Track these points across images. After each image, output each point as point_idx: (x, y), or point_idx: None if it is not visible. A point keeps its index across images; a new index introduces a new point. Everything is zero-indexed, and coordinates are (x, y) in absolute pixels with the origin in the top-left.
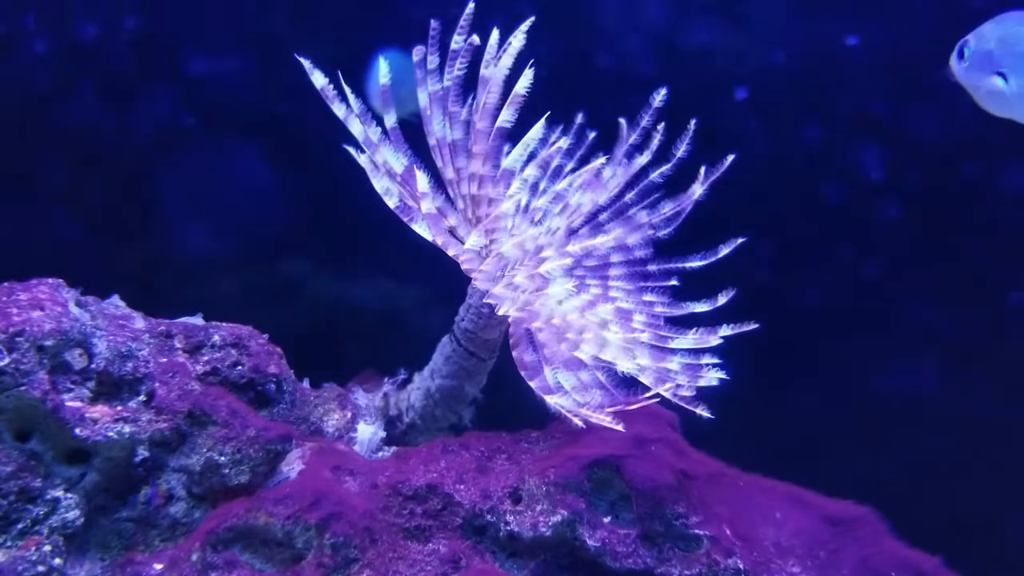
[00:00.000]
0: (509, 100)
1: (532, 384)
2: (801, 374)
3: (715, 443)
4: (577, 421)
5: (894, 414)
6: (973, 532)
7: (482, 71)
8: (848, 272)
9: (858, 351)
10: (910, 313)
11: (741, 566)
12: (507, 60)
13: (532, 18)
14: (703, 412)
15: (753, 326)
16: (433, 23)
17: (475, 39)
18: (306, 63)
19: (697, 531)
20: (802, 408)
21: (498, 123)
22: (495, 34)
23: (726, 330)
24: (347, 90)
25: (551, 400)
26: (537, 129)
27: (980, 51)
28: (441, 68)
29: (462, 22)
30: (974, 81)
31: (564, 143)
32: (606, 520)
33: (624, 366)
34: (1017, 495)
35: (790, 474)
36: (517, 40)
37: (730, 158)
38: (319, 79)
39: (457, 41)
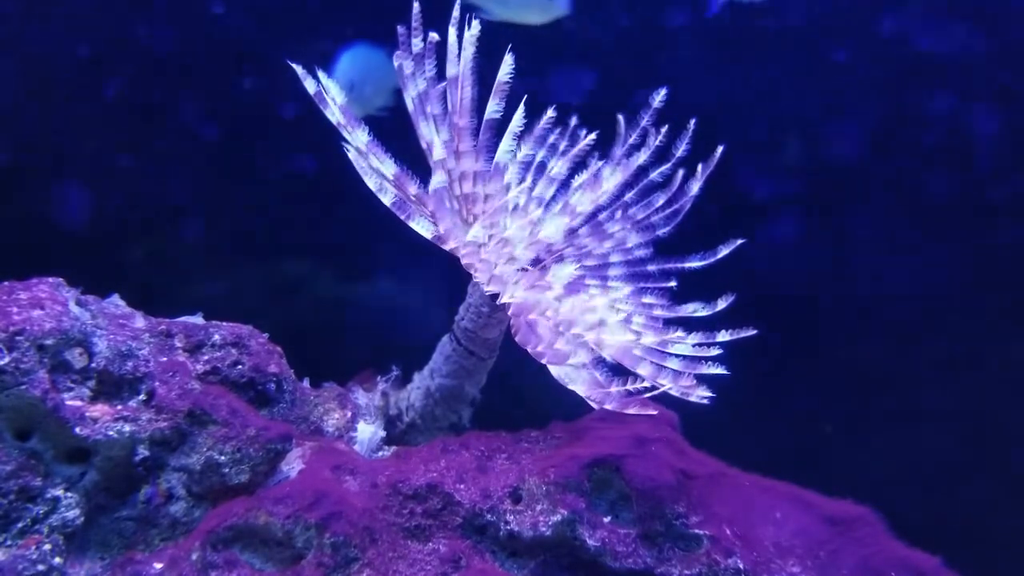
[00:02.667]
0: (494, 90)
1: (542, 359)
2: (801, 374)
3: (715, 443)
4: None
5: (894, 414)
6: (973, 532)
7: (448, 70)
8: (849, 271)
9: (859, 351)
10: (910, 312)
11: (741, 566)
12: (469, 50)
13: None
14: (704, 392)
15: (751, 332)
16: (400, 28)
17: (434, 36)
18: (298, 69)
19: (697, 531)
20: (802, 408)
21: (487, 115)
22: (452, 32)
23: (724, 335)
24: (333, 104)
25: (561, 372)
26: (519, 117)
27: None
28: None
29: (414, 24)
30: None
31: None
32: (606, 520)
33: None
34: (1017, 495)
35: (790, 474)
36: (473, 29)
37: (719, 150)
38: (311, 85)
39: (416, 44)
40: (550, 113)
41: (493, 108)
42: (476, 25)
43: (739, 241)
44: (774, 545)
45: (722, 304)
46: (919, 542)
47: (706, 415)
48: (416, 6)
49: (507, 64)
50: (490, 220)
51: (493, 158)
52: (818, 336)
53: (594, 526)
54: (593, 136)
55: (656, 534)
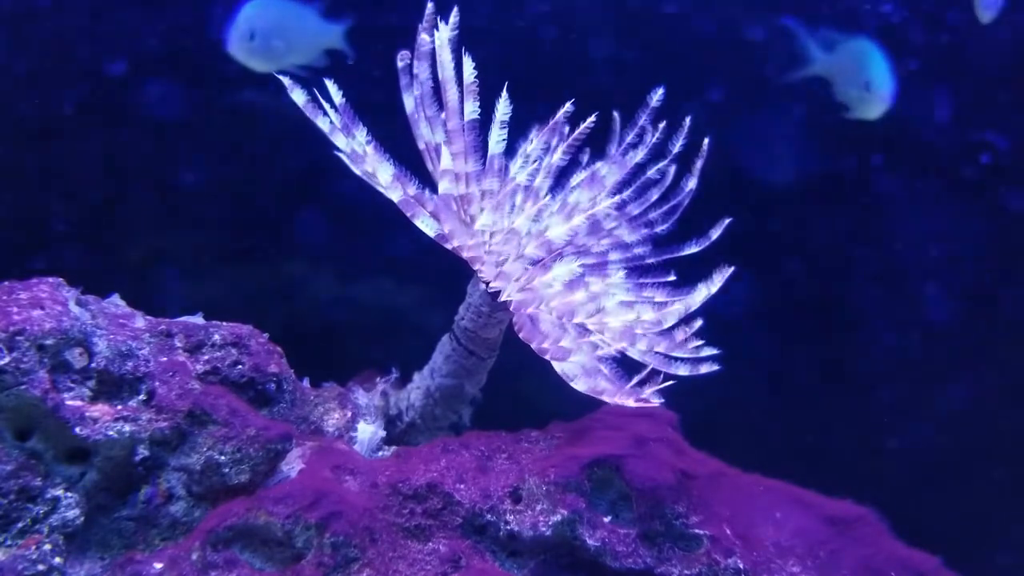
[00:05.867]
0: (465, 91)
1: (546, 355)
2: (801, 374)
3: (715, 443)
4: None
5: (894, 414)
6: (973, 532)
7: (439, 73)
8: (848, 270)
9: (859, 350)
10: (909, 312)
11: (741, 566)
12: (446, 55)
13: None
14: (709, 365)
15: (730, 269)
16: (421, 27)
17: (425, 38)
18: (286, 80)
19: (697, 531)
20: (802, 408)
21: (465, 117)
22: (425, 37)
23: (704, 290)
24: (328, 106)
25: (562, 367)
26: (504, 105)
27: None
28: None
29: (425, 24)
30: None
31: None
32: (606, 520)
33: (619, 338)
34: (1017, 495)
35: (790, 474)
36: (444, 31)
37: (706, 142)
38: (299, 96)
39: (424, 45)
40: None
41: (470, 109)
42: (448, 27)
43: (727, 220)
44: (774, 545)
45: (718, 278)
46: (919, 542)
47: (706, 415)
48: (430, 6)
49: (468, 65)
50: (495, 212)
51: (483, 158)
52: (819, 335)
53: (594, 526)
54: (592, 119)
55: (656, 534)
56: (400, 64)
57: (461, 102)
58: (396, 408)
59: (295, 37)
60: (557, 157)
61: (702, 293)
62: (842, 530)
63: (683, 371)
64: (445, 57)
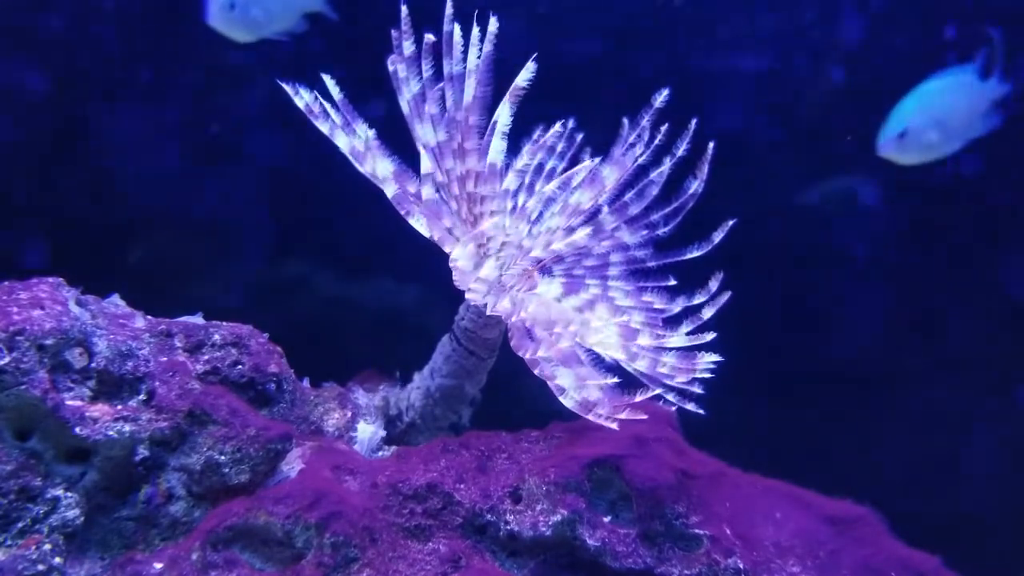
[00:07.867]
0: (508, 94)
1: (536, 368)
2: (802, 373)
3: (715, 443)
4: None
5: (894, 414)
6: (973, 532)
7: (462, 66)
8: (845, 271)
9: (858, 351)
10: (908, 313)
11: (741, 566)
12: (488, 47)
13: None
14: (696, 408)
15: (727, 295)
16: (394, 32)
17: (430, 38)
18: (288, 88)
19: (697, 531)
20: (802, 408)
21: (495, 118)
22: (457, 30)
23: (708, 310)
24: (329, 106)
25: (553, 378)
26: (507, 113)
27: None
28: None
29: (404, 27)
30: None
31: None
32: (606, 520)
33: (617, 355)
34: (1016, 495)
35: (790, 474)
36: (492, 25)
37: (711, 145)
38: (302, 100)
39: (408, 47)
40: (557, 128)
41: (506, 113)
42: (494, 22)
43: (731, 222)
44: (774, 545)
45: (714, 284)
46: (919, 542)
47: (706, 414)
48: (404, 9)
49: (528, 70)
50: (465, 246)
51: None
52: (818, 335)
53: (594, 526)
54: (592, 162)
55: (656, 534)
56: (391, 67)
57: (482, 100)
58: (396, 408)
59: (274, 4)
60: (552, 186)
61: (683, 330)
62: (842, 530)
63: (671, 396)
64: (483, 50)
